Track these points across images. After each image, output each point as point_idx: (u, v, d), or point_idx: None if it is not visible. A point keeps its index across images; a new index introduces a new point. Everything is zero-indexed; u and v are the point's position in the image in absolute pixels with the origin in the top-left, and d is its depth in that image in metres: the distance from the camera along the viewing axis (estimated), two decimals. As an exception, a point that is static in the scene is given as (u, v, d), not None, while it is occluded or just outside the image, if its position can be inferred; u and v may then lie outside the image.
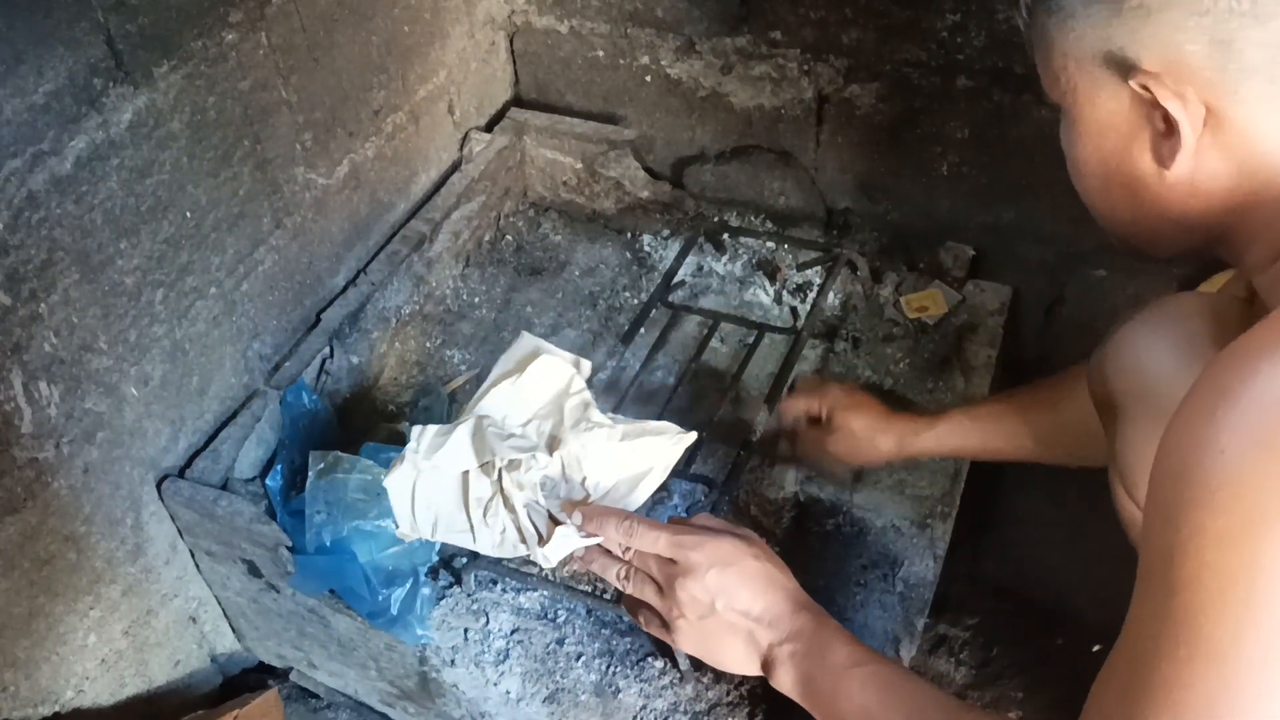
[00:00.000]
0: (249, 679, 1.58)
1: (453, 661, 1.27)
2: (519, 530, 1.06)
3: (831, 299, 1.66)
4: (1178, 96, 0.73)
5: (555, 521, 1.04)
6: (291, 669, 1.55)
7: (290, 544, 1.26)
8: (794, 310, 1.64)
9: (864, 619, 1.26)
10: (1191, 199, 0.79)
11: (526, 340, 1.18)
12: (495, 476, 1.07)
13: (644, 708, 1.20)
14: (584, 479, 1.08)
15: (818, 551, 1.33)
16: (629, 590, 1.00)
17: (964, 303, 1.64)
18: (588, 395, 1.15)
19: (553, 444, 1.09)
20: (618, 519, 0.99)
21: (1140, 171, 0.80)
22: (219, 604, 1.49)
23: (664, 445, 1.10)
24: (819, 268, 1.67)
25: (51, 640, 1.24)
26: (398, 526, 1.14)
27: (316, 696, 1.55)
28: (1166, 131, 0.76)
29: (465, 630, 1.28)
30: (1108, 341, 0.99)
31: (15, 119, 1.04)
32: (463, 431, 1.09)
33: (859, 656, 0.91)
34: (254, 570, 1.35)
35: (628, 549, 0.99)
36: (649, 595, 0.98)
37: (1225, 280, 1.04)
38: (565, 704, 1.21)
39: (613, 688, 1.22)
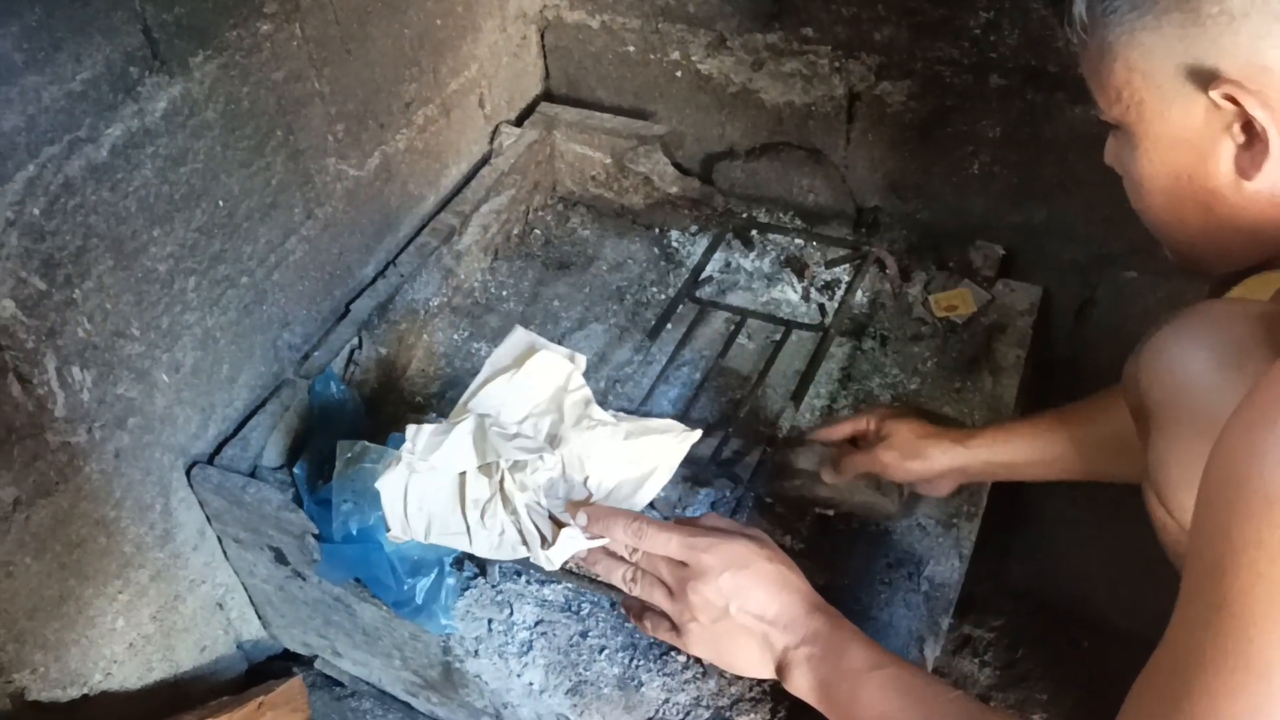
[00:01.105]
0: (274, 666, 1.58)
1: (476, 652, 1.27)
2: (520, 532, 1.02)
3: (860, 297, 1.65)
4: (1263, 105, 0.71)
5: (557, 523, 1.01)
6: (316, 657, 1.56)
7: (317, 532, 1.27)
8: (822, 308, 1.64)
9: (888, 617, 1.26)
10: (1270, 208, 0.77)
11: (520, 335, 1.14)
12: (497, 477, 1.03)
13: (666, 701, 1.20)
14: (586, 478, 1.05)
15: (842, 549, 1.33)
16: (636, 593, 0.98)
17: (993, 302, 1.63)
18: (587, 392, 1.11)
19: (553, 442, 1.06)
20: (626, 520, 0.97)
21: (1216, 184, 0.78)
22: (246, 591, 1.50)
23: (669, 444, 1.07)
24: (847, 265, 1.67)
25: (81, 623, 1.25)
26: (389, 529, 1.10)
27: (341, 685, 1.56)
28: (1248, 142, 0.74)
29: (489, 621, 1.29)
30: (1143, 346, 0.98)
31: (53, 106, 1.05)
32: (462, 430, 1.05)
33: (877, 659, 0.90)
34: (281, 558, 1.36)
35: (635, 551, 0.97)
36: (658, 598, 0.96)
37: (1258, 283, 1.03)
38: (588, 696, 1.22)
39: (635, 681, 1.22)
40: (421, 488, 1.06)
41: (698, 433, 1.08)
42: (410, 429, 1.06)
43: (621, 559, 0.99)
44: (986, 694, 1.45)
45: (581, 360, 1.13)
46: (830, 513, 1.35)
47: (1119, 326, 1.70)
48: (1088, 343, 1.75)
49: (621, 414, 1.11)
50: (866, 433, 1.32)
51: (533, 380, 1.11)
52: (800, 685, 0.92)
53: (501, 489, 1.03)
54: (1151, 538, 0.99)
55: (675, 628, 0.97)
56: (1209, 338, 0.90)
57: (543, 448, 1.05)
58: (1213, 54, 0.73)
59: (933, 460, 1.26)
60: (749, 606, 0.93)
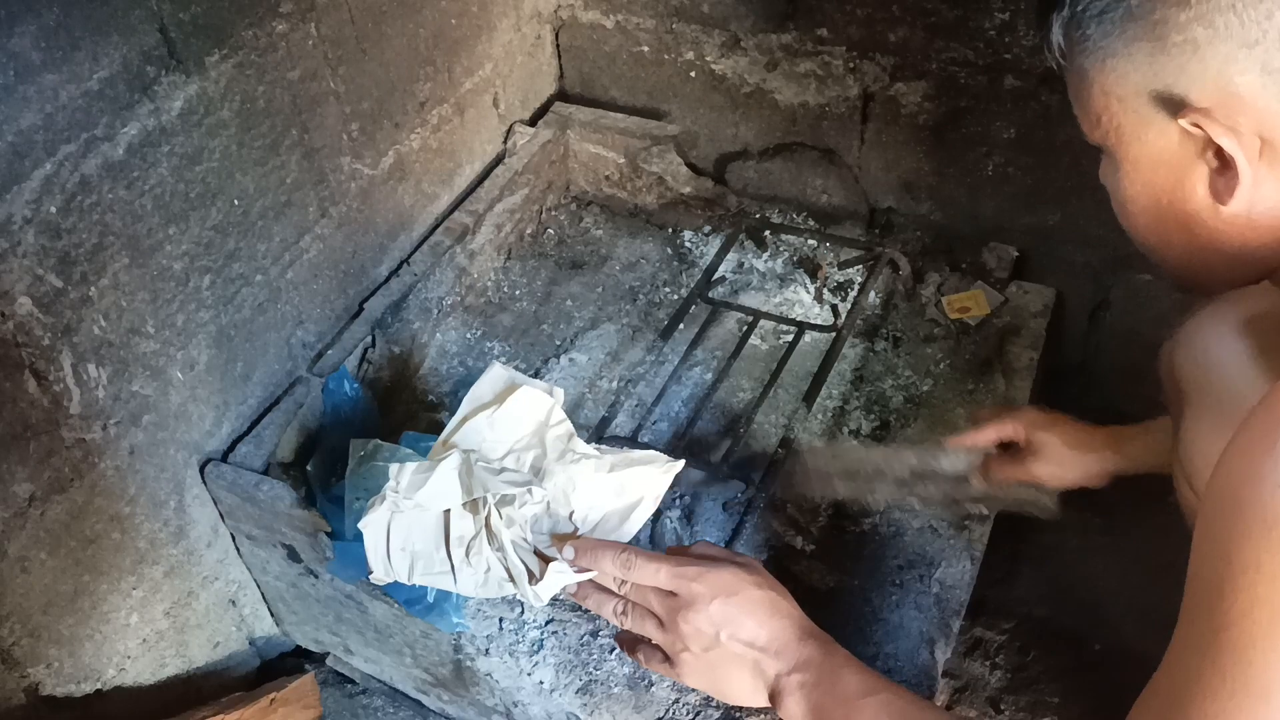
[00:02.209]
0: (286, 663, 1.59)
1: (487, 650, 1.27)
2: (506, 568, 1.01)
3: (873, 298, 1.65)
4: (1231, 131, 0.71)
5: (543, 558, 1.00)
6: (328, 654, 1.57)
7: (330, 530, 1.27)
8: (834, 308, 1.64)
9: (899, 619, 1.26)
10: (1249, 232, 0.76)
11: (498, 370, 1.12)
12: (483, 513, 1.02)
13: (676, 701, 1.20)
14: (571, 512, 1.04)
15: (854, 551, 1.33)
16: (627, 625, 0.97)
17: (1006, 304, 1.63)
18: (569, 426, 1.10)
19: (537, 475, 1.05)
20: (614, 552, 0.96)
21: (1194, 207, 0.78)
22: (258, 588, 1.51)
23: (653, 474, 1.05)
24: (860, 266, 1.66)
25: (95, 619, 1.26)
26: (370, 572, 1.07)
27: (352, 682, 1.57)
28: (1221, 167, 0.74)
29: (500, 620, 1.29)
30: (1179, 330, 0.98)
31: (70, 104, 1.06)
32: (448, 466, 1.03)
33: (870, 685, 0.89)
34: (293, 555, 1.37)
35: (624, 583, 0.96)
36: (649, 630, 0.96)
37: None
38: (598, 695, 1.22)
39: (645, 681, 1.22)
40: (405, 527, 1.04)
41: (681, 463, 1.08)
42: (393, 467, 1.04)
43: (611, 592, 0.98)
44: (997, 696, 1.44)
45: (559, 394, 1.12)
46: (984, 510, 1.34)
47: (1133, 330, 1.69)
48: (1101, 346, 1.75)
49: (604, 446, 1.10)
50: (1014, 440, 1.30)
51: (514, 416, 1.09)
52: (793, 712, 0.91)
53: (488, 525, 1.01)
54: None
55: (668, 658, 0.96)
56: (1243, 325, 0.90)
57: (530, 480, 1.03)
58: (1181, 81, 0.72)
59: (1090, 468, 1.25)
60: (740, 634, 0.92)
